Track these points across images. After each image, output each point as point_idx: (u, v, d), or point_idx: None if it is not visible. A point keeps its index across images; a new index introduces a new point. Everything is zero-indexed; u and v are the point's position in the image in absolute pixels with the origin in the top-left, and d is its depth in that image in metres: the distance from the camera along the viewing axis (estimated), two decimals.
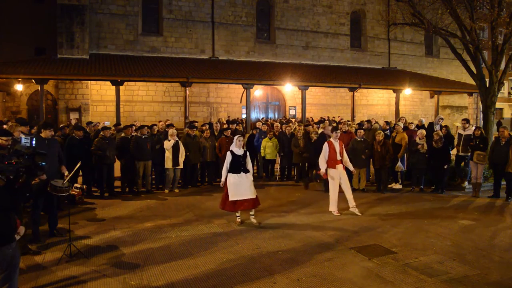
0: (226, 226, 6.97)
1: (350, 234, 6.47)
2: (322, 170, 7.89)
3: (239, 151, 7.10)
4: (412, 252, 5.65)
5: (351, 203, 7.89)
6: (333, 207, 7.87)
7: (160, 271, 4.96)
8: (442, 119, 12.29)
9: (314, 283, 4.64)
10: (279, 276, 4.80)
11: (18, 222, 4.05)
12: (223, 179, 7.07)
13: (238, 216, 7.14)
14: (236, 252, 5.65)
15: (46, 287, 4.57)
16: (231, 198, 6.90)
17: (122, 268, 5.05)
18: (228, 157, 7.03)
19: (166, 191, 9.88)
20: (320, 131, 10.85)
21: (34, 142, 3.66)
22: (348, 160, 8.26)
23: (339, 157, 7.94)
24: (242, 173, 6.99)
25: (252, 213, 7.16)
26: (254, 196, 7.00)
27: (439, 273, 4.90)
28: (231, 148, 7.17)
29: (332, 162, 7.87)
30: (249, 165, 7.22)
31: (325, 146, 7.97)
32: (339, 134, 8.19)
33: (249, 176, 7.10)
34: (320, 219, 7.40)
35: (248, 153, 7.28)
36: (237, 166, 6.99)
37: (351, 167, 8.36)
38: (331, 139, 8.09)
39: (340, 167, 7.94)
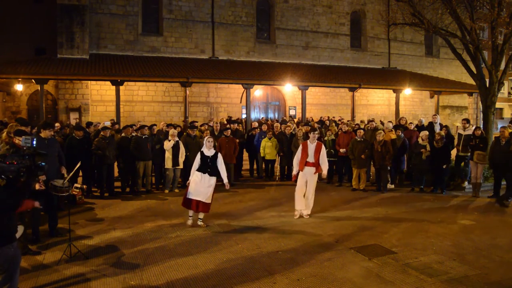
0: (226, 226, 6.97)
1: (350, 234, 6.48)
2: (294, 172, 7.88)
3: (209, 152, 7.05)
4: (412, 252, 5.65)
5: (306, 210, 7.67)
6: (297, 206, 7.69)
7: (160, 271, 4.96)
8: (435, 115, 12.53)
9: (314, 283, 4.64)
10: (279, 276, 4.80)
11: (30, 202, 3.99)
12: (191, 177, 6.99)
13: (190, 217, 6.97)
14: (236, 252, 5.65)
15: (46, 287, 4.57)
16: (188, 196, 6.84)
17: (122, 268, 5.05)
18: (197, 156, 7.06)
19: (166, 191, 9.88)
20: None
21: (34, 142, 3.66)
22: (324, 161, 7.82)
23: (310, 160, 7.70)
24: (206, 174, 6.90)
25: (201, 217, 7.00)
26: (209, 202, 6.92)
27: (439, 273, 4.90)
28: (202, 149, 7.19)
29: (300, 165, 7.72)
30: (222, 169, 7.06)
31: (300, 147, 7.90)
32: (316, 136, 7.93)
33: (213, 179, 6.97)
34: (320, 219, 7.40)
35: (220, 155, 7.14)
36: (204, 166, 6.94)
37: (324, 170, 7.85)
38: (308, 141, 7.89)
39: (308, 169, 7.69)
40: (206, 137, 7.33)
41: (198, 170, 6.96)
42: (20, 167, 3.40)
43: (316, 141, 7.88)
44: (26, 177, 3.45)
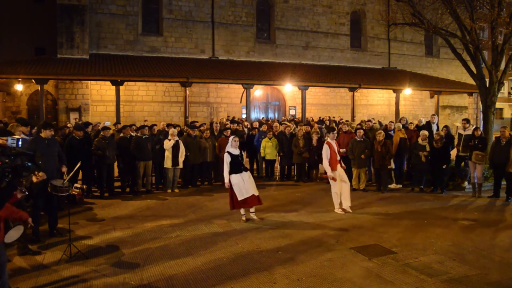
0: (226, 226, 6.97)
1: (350, 234, 6.47)
2: (330, 174, 7.79)
3: (236, 151, 7.24)
4: (412, 252, 5.65)
5: (347, 204, 7.96)
6: (337, 205, 7.94)
7: (160, 271, 4.96)
8: (434, 115, 12.60)
9: (314, 283, 4.64)
10: (279, 276, 4.80)
11: (26, 214, 4.03)
12: (226, 180, 7.18)
13: (243, 215, 7.26)
14: (236, 252, 5.65)
15: (46, 286, 4.57)
16: (240, 198, 7.03)
17: (122, 268, 5.05)
18: (227, 158, 7.15)
19: (169, 191, 9.87)
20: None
21: (20, 142, 3.63)
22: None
23: (338, 158, 8.04)
24: (243, 172, 7.16)
25: (252, 210, 7.30)
26: (257, 193, 7.19)
27: (439, 273, 4.90)
28: (227, 149, 7.28)
29: (333, 164, 7.88)
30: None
31: (326, 148, 7.92)
32: (336, 135, 8.17)
33: (249, 173, 7.33)
34: (320, 219, 7.40)
35: (243, 152, 7.48)
36: (237, 166, 7.15)
37: (341, 164, 8.35)
38: (329, 140, 8.07)
39: (339, 167, 8.01)
40: (232, 137, 7.43)
41: (234, 172, 7.11)
42: (4, 168, 3.38)
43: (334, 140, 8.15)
44: (11, 177, 3.42)
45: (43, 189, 5.66)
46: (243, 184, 7.06)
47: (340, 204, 7.93)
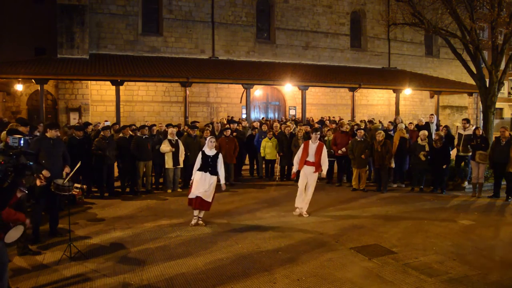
0: (226, 226, 6.97)
1: (350, 234, 6.48)
2: (294, 170, 8.14)
3: (210, 152, 7.12)
4: (412, 252, 5.65)
5: (303, 207, 7.76)
6: (296, 204, 7.83)
7: (160, 271, 4.96)
8: (432, 115, 12.61)
9: (314, 283, 4.64)
10: (279, 276, 4.80)
11: (22, 216, 4.03)
12: (193, 177, 7.08)
13: (195, 217, 7.00)
14: (236, 252, 5.65)
15: (46, 286, 4.58)
16: (190, 196, 6.92)
17: (122, 268, 5.05)
18: (199, 156, 7.13)
19: (169, 191, 9.87)
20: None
21: (22, 142, 3.64)
22: (325, 162, 7.89)
23: (311, 159, 7.76)
24: (208, 173, 6.98)
25: (200, 215, 7.05)
26: (209, 200, 6.95)
27: (439, 273, 4.91)
28: (203, 148, 7.25)
29: (300, 163, 7.83)
30: (220, 170, 7.12)
31: (301, 146, 8.03)
32: (317, 136, 7.97)
33: (214, 178, 7.03)
34: (320, 219, 7.40)
35: (220, 156, 7.21)
36: (205, 165, 7.03)
37: (324, 170, 7.97)
38: (310, 141, 7.96)
39: (308, 168, 7.76)
40: (209, 137, 7.35)
41: (199, 169, 7.02)
42: (7, 167, 3.38)
43: (318, 141, 7.90)
44: (13, 176, 3.43)
45: (46, 188, 5.65)
46: (202, 183, 6.87)
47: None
